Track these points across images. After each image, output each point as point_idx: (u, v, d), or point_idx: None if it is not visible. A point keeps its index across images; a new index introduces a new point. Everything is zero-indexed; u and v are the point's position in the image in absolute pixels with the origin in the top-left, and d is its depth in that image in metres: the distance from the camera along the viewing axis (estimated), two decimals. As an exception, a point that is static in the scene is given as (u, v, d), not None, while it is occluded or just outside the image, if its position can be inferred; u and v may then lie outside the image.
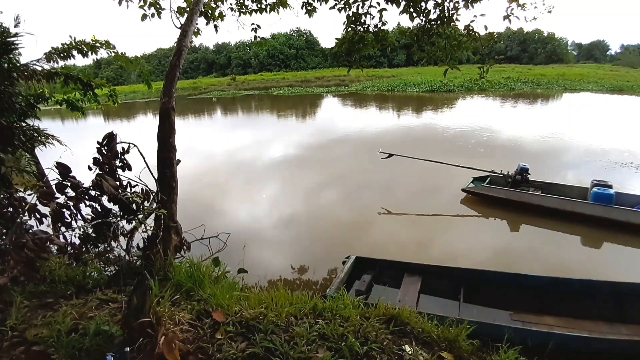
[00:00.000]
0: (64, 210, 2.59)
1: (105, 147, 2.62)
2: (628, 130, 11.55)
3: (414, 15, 3.95)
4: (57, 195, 2.56)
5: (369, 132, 12.86)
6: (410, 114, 17.32)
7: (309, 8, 4.34)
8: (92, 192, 2.60)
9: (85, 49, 3.46)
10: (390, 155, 7.19)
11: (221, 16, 4.43)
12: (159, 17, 4.13)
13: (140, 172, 2.72)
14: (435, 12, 4.00)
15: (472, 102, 20.35)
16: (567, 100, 20.48)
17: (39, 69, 3.03)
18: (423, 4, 3.93)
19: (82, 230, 2.76)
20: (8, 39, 2.52)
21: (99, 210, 2.67)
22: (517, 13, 3.79)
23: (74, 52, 3.43)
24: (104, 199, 2.62)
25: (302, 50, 55.51)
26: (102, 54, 3.69)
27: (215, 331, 1.70)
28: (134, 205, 2.59)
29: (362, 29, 4.25)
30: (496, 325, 2.58)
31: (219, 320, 1.76)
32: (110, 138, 2.63)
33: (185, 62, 3.20)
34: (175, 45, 3.05)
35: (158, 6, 4.11)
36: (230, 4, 4.50)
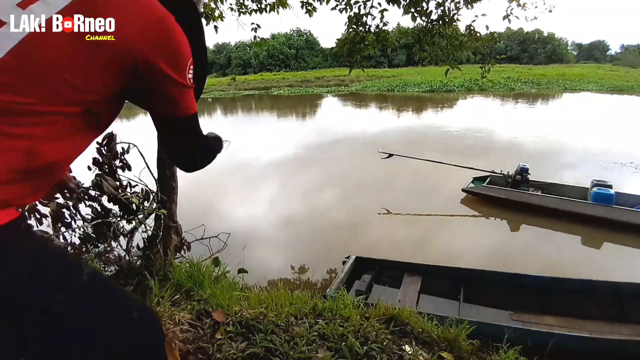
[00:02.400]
0: (64, 210, 2.58)
1: (105, 147, 2.61)
2: (628, 130, 11.56)
3: (416, 15, 3.95)
4: (57, 195, 2.56)
5: (369, 132, 12.86)
6: (410, 114, 17.32)
7: (309, 8, 4.33)
8: (92, 192, 2.60)
9: (85, 49, 3.45)
10: (390, 155, 7.20)
11: (221, 16, 4.42)
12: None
13: (140, 172, 2.72)
14: (436, 12, 4.00)
15: (472, 102, 20.36)
16: (567, 100, 20.49)
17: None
18: (424, 4, 3.93)
19: (82, 230, 2.75)
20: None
21: (99, 210, 2.66)
22: (517, 13, 3.80)
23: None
24: (104, 199, 2.62)
25: (302, 50, 55.50)
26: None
27: (215, 331, 1.69)
28: (134, 205, 2.59)
29: (363, 30, 4.25)
30: (496, 325, 2.58)
31: (219, 320, 1.75)
32: (110, 138, 2.63)
33: (186, 62, 3.17)
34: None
35: (158, 6, 4.10)
36: (230, 4, 4.50)
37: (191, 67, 0.75)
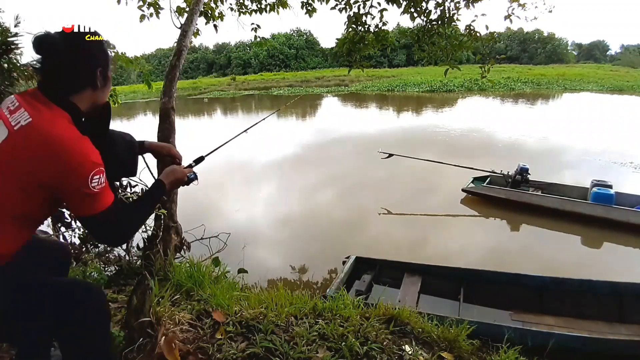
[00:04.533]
0: (64, 210, 2.58)
1: (105, 147, 2.61)
2: (628, 129, 11.55)
3: (415, 15, 3.95)
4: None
5: (368, 132, 12.86)
6: (410, 114, 17.32)
7: (309, 8, 4.33)
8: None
9: (85, 49, 3.45)
10: (391, 155, 7.19)
11: (221, 16, 4.42)
12: (157, 17, 4.13)
13: (140, 172, 2.71)
14: (436, 12, 4.00)
15: (472, 102, 20.37)
16: (567, 100, 20.49)
17: (39, 69, 3.03)
18: (424, 4, 3.94)
19: (82, 230, 2.75)
20: (8, 39, 2.52)
21: (99, 210, 2.66)
22: (517, 13, 3.80)
23: (74, 52, 3.42)
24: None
25: (302, 50, 55.49)
26: (102, 53, 3.68)
27: (215, 331, 1.69)
28: (134, 205, 2.58)
29: (362, 29, 4.25)
30: (496, 325, 2.58)
31: (219, 320, 1.75)
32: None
33: (185, 62, 3.18)
34: (175, 45, 3.05)
35: (157, 6, 4.10)
36: (230, 4, 4.50)
37: (95, 175, 0.98)
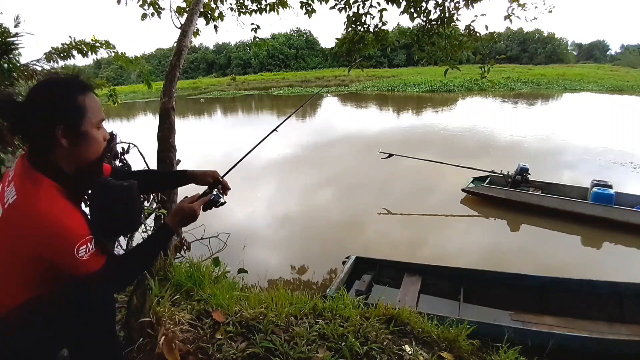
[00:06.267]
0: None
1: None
2: (628, 129, 11.55)
3: (415, 15, 3.95)
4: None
5: (368, 132, 12.86)
6: (410, 114, 17.32)
7: (308, 9, 4.34)
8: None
9: (85, 49, 3.45)
10: (390, 155, 7.19)
11: (221, 16, 4.43)
12: (159, 17, 4.14)
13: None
14: (435, 12, 4.00)
15: (472, 102, 20.37)
16: (567, 100, 20.49)
17: (39, 69, 3.03)
18: (424, 4, 3.93)
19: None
20: (8, 39, 2.52)
21: (99, 210, 2.66)
22: (517, 13, 3.80)
23: (74, 52, 3.41)
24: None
25: (302, 50, 55.50)
26: (102, 54, 3.67)
27: (215, 331, 1.69)
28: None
29: (362, 29, 4.25)
30: (496, 325, 2.59)
31: (219, 320, 1.75)
32: (110, 138, 2.62)
33: (185, 62, 3.18)
34: (175, 45, 3.05)
35: (157, 6, 4.11)
36: (230, 4, 4.50)
37: (81, 247, 0.98)
